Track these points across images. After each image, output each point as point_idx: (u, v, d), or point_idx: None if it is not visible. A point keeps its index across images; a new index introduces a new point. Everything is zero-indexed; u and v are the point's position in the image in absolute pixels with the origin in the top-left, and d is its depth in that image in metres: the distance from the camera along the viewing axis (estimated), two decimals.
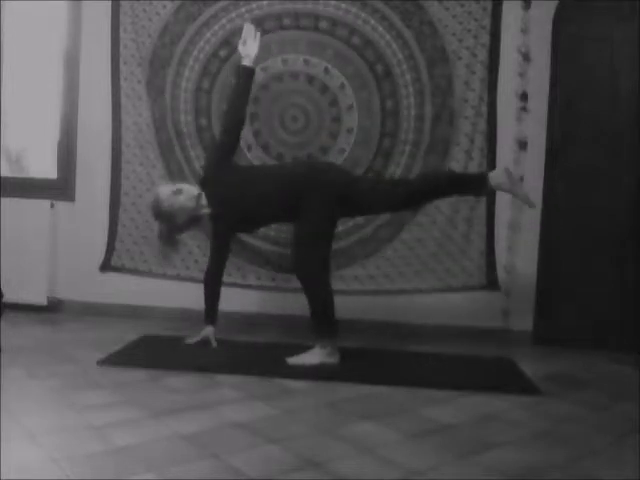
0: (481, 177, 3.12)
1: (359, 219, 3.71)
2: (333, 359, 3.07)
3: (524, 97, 3.70)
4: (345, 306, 3.79)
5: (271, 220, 3.42)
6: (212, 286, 3.30)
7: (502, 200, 3.73)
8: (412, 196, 3.15)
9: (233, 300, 3.70)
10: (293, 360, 3.06)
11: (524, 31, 3.69)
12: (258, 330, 3.71)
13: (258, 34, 3.37)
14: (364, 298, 3.82)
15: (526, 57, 3.70)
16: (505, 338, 3.73)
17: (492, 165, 3.72)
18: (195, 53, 3.83)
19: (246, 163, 3.84)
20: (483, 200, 3.73)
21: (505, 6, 3.67)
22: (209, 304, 3.28)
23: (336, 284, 3.85)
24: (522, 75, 3.70)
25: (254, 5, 3.77)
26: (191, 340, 3.28)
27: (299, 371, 2.92)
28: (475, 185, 3.13)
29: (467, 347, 3.57)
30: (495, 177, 3.02)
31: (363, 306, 3.82)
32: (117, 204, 3.95)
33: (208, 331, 3.27)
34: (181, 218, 3.17)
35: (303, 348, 3.10)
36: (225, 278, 3.36)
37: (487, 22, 3.67)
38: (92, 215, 3.99)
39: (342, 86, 3.78)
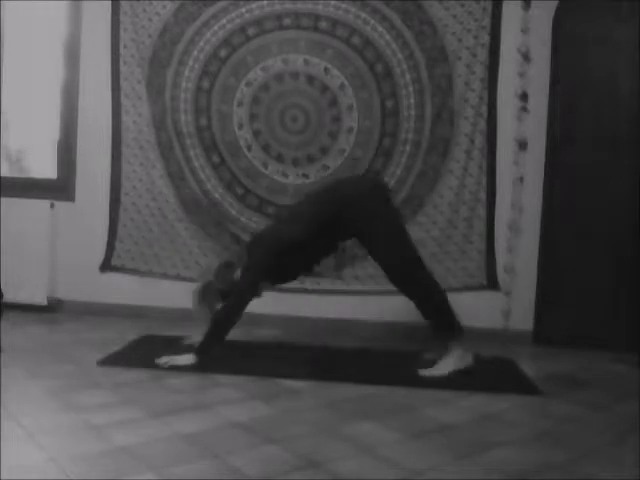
0: (454, 329, 2.98)
1: None
2: (466, 361, 2.95)
3: (524, 97, 3.70)
4: (345, 306, 3.80)
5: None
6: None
7: (502, 200, 3.74)
8: (409, 280, 2.97)
9: None
10: (424, 372, 2.94)
11: (524, 31, 3.68)
12: (259, 330, 3.71)
13: None
14: (364, 298, 3.82)
15: (526, 57, 3.70)
16: (505, 338, 3.73)
17: (492, 165, 3.72)
18: (195, 53, 3.84)
19: (246, 163, 3.85)
20: (483, 200, 3.74)
21: (505, 6, 3.68)
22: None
23: (336, 284, 3.86)
24: (522, 75, 3.70)
25: (254, 5, 3.77)
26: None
27: (299, 371, 2.92)
28: (444, 326, 2.98)
29: (467, 347, 3.56)
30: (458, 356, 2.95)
31: (363, 306, 3.82)
32: (117, 204, 3.95)
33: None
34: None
35: (307, 349, 3.09)
36: None
37: (487, 22, 3.68)
38: (92, 215, 3.99)
39: (342, 86, 3.78)
